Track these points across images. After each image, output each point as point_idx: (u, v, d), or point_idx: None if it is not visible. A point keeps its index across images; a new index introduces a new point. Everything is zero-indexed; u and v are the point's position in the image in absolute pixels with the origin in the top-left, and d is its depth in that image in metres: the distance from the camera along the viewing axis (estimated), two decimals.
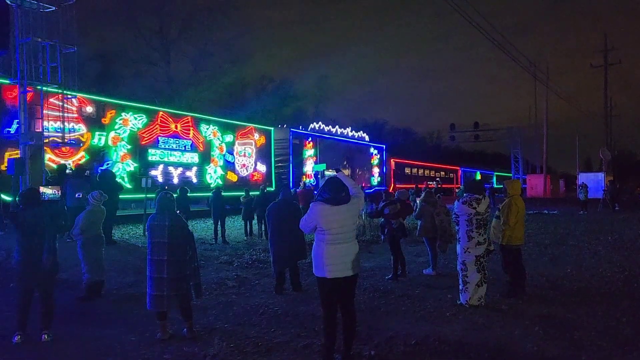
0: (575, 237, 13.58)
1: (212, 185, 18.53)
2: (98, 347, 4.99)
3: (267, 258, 9.36)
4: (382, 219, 8.61)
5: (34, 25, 10.99)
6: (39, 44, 11.24)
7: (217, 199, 13.18)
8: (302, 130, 25.28)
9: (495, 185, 50.77)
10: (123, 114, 15.76)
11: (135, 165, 15.93)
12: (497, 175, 59.90)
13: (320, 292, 4.50)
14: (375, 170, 31.62)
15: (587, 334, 5.18)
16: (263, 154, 22.19)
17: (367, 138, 31.22)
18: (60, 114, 12.02)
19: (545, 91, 42.36)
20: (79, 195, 9.48)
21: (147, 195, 13.89)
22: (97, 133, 14.89)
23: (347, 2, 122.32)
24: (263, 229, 13.37)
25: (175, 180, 17.19)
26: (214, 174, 19.30)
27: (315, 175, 23.49)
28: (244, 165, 21.03)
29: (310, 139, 25.17)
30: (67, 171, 11.77)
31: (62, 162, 13.08)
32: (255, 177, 21.43)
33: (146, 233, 5.56)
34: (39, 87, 11.31)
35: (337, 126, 28.83)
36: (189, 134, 18.24)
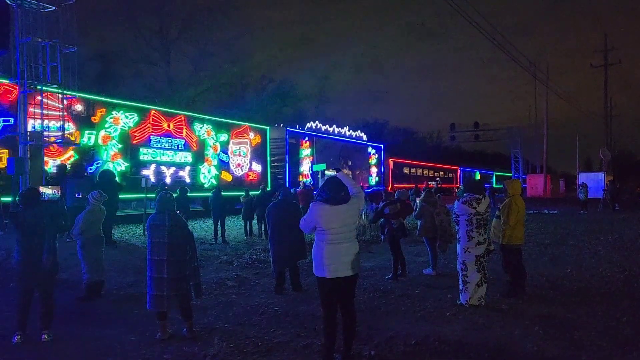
0: (575, 237, 13.58)
1: (205, 185, 18.37)
2: (98, 347, 4.99)
3: (267, 258, 9.36)
4: (382, 219, 8.62)
5: (34, 25, 10.97)
6: (39, 44, 11.22)
7: (217, 198, 13.19)
8: (298, 129, 24.95)
9: (495, 185, 50.81)
10: (114, 112, 15.51)
11: (127, 164, 15.77)
12: (496, 175, 59.95)
13: (320, 292, 4.50)
14: (374, 170, 31.38)
15: (587, 334, 5.18)
16: (258, 153, 21.95)
17: (364, 137, 30.89)
18: (44, 112, 11.48)
19: (545, 91, 42.50)
20: (79, 195, 9.49)
21: (147, 195, 13.89)
22: (86, 132, 14.64)
23: (347, 2, 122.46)
24: (263, 228, 13.36)
25: (168, 180, 16.91)
26: (207, 174, 19.07)
27: (313, 175, 23.37)
28: (238, 164, 20.77)
29: (307, 139, 24.84)
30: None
31: (50, 161, 12.92)
32: (251, 177, 21.22)
33: (146, 233, 5.56)
34: (38, 87, 11.30)
35: (334, 125, 28.42)
36: (182, 133, 17.97)
